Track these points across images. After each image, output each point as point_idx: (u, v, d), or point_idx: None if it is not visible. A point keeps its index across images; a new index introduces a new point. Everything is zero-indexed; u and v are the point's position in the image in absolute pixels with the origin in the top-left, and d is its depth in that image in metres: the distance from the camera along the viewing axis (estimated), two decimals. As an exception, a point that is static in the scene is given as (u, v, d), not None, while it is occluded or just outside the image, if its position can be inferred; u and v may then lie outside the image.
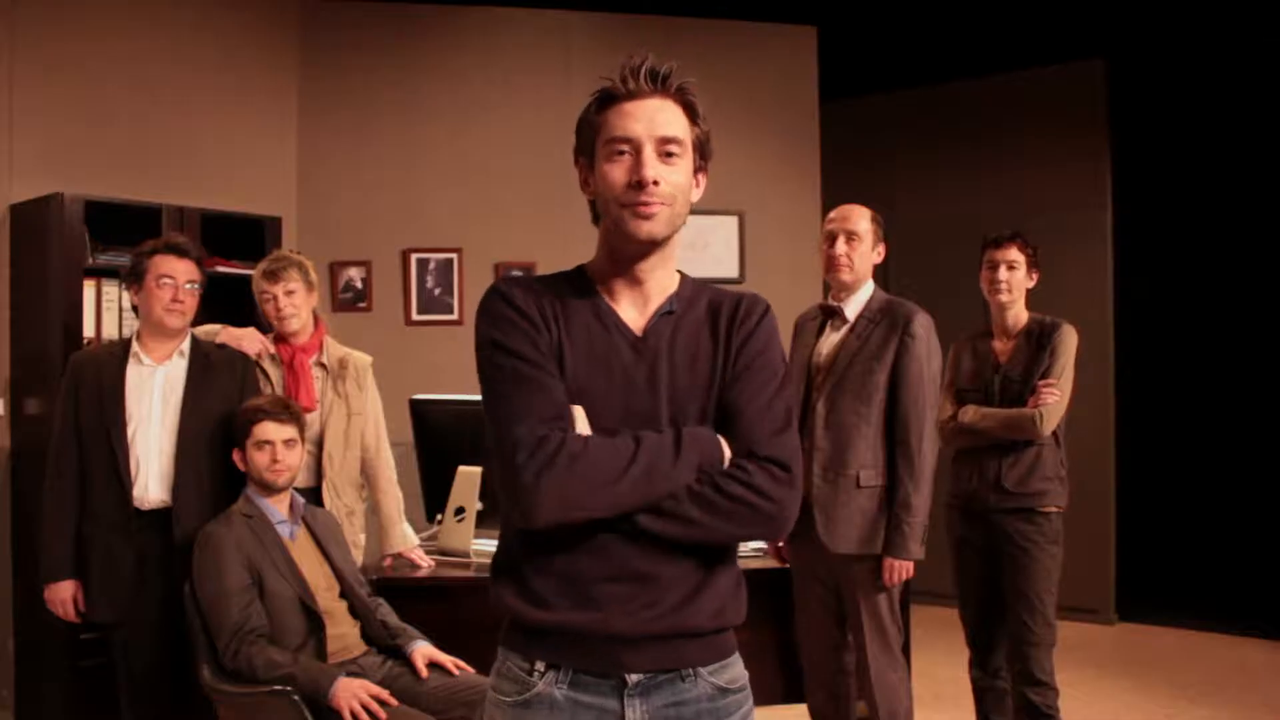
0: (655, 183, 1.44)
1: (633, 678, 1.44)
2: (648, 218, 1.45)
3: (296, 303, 3.25)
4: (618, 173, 1.46)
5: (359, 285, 5.06)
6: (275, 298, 3.24)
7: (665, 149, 1.46)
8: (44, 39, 4.14)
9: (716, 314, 1.53)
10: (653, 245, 1.48)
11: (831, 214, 3.18)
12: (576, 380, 1.46)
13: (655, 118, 1.46)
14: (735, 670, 1.53)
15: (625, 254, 1.50)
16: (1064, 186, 5.96)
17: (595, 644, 1.43)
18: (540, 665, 1.45)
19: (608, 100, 1.49)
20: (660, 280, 1.53)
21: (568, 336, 1.48)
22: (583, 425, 1.42)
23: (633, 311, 1.52)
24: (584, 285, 1.53)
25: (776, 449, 1.46)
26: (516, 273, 4.90)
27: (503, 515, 1.50)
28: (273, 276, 3.25)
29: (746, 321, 1.52)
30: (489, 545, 3.41)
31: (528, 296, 1.49)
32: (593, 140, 1.50)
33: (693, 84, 1.51)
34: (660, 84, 1.48)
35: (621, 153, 1.46)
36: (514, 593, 1.46)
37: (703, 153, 1.53)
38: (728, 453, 1.45)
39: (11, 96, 4.04)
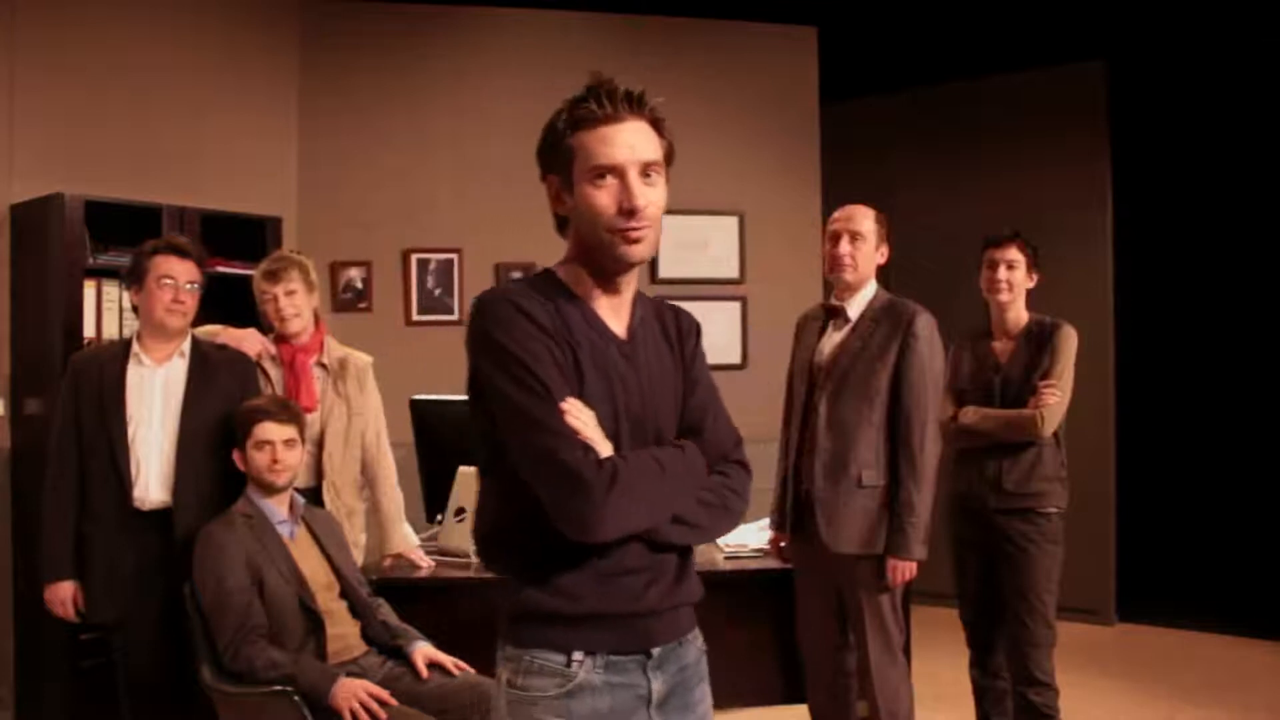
0: (644, 207, 1.49)
1: (655, 651, 1.55)
2: (638, 242, 1.50)
3: (297, 303, 3.25)
4: (604, 200, 1.49)
5: (359, 285, 5.05)
6: (275, 298, 3.23)
7: (647, 171, 1.51)
8: (44, 40, 4.13)
9: (664, 323, 1.64)
10: (639, 265, 1.55)
11: (836, 214, 3.18)
12: (590, 386, 1.50)
13: (636, 143, 1.50)
14: (699, 634, 1.68)
15: (611, 271, 1.54)
16: (1064, 187, 5.96)
17: (628, 623, 1.52)
18: (579, 654, 1.51)
19: (583, 122, 1.50)
20: (633, 289, 1.61)
21: (578, 345, 1.51)
22: (598, 435, 1.47)
23: (613, 318, 1.57)
24: (566, 293, 1.56)
25: (741, 453, 1.66)
26: (516, 274, 4.89)
27: (518, 522, 1.54)
28: (273, 277, 3.25)
29: (691, 334, 1.66)
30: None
31: (539, 310, 1.50)
32: (568, 162, 1.52)
33: (660, 102, 1.55)
34: (636, 106, 1.51)
35: (605, 177, 1.49)
36: (547, 592, 1.50)
37: (669, 161, 1.58)
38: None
39: (12, 97, 4.04)
